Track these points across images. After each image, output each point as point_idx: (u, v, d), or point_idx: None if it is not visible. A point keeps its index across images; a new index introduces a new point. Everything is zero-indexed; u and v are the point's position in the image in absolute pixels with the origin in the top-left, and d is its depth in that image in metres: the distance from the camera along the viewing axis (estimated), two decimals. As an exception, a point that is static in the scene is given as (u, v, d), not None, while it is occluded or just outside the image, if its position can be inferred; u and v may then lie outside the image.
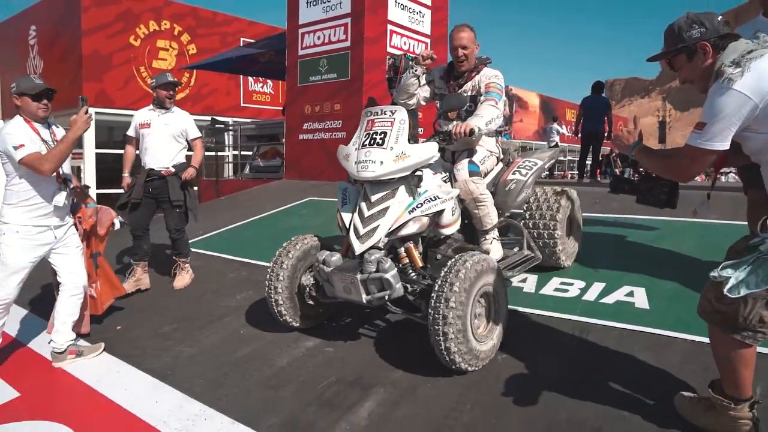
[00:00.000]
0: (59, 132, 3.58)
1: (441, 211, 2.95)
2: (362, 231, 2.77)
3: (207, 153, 9.93)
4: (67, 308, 3.51)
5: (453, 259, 2.63)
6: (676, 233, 4.47)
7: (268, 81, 20.74)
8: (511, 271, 3.31)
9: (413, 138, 2.98)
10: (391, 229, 2.78)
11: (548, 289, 3.59)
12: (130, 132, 4.72)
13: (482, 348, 2.65)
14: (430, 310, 2.51)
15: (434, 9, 9.04)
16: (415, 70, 3.54)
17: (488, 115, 3.15)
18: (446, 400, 2.52)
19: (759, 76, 1.77)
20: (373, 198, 2.84)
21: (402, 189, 2.87)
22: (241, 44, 19.43)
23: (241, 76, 19.57)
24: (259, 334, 3.50)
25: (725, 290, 1.73)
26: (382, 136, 2.83)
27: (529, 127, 29.62)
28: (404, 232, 2.81)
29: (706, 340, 2.67)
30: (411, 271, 2.86)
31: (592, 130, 9.98)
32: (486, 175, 3.48)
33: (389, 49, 8.13)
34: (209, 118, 18.26)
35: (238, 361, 3.18)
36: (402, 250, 2.90)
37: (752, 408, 1.99)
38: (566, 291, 3.53)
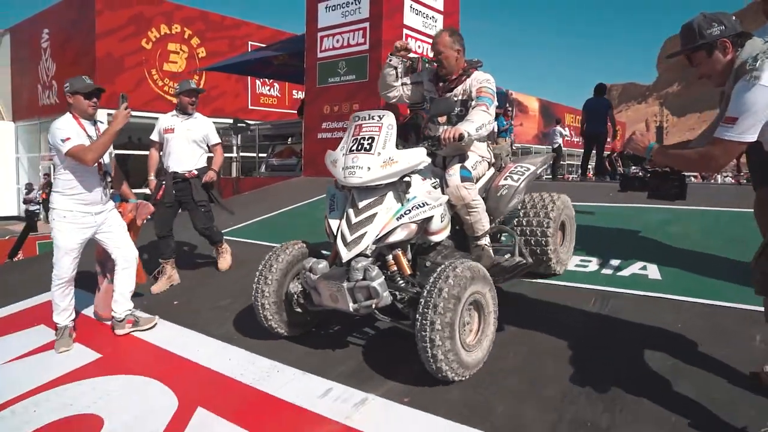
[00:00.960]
0: (103, 128, 3.88)
1: (430, 218, 2.91)
2: (349, 238, 2.74)
3: (225, 154, 10.31)
4: (122, 280, 3.86)
5: (443, 266, 2.58)
6: (682, 219, 4.88)
7: (275, 84, 21.16)
8: (503, 282, 3.29)
9: (402, 143, 2.93)
10: (378, 236, 2.74)
11: (569, 266, 3.98)
12: (154, 136, 4.98)
13: (470, 358, 2.59)
14: (417, 316, 2.45)
15: (446, 14, 9.48)
16: (390, 61, 3.50)
17: (479, 121, 3.08)
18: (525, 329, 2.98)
19: None
20: (361, 204, 2.80)
21: (390, 195, 2.83)
22: (249, 48, 19.86)
23: (249, 79, 20.00)
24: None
25: None
26: (370, 141, 2.78)
27: (528, 131, 30.10)
28: (392, 239, 2.77)
29: (712, 302, 3.12)
30: (399, 278, 2.81)
31: (595, 131, 10.41)
32: (478, 180, 3.42)
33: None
34: (220, 119, 18.76)
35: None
36: (390, 257, 2.85)
37: None
38: (586, 267, 3.93)
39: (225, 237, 5.99)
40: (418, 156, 2.85)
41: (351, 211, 2.81)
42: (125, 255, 3.89)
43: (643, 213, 5.19)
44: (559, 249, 3.76)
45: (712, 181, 17.54)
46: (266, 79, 20.36)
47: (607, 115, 10.34)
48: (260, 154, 11.95)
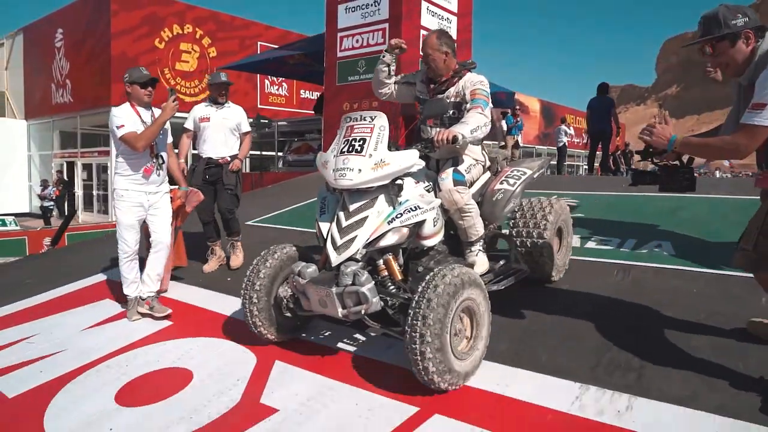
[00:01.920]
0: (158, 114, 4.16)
1: (422, 222, 2.86)
2: (339, 242, 2.68)
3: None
4: (152, 262, 4.15)
5: (431, 274, 2.49)
6: (689, 206, 5.29)
7: (284, 84, 21.56)
8: (497, 285, 3.18)
9: (394, 145, 2.86)
10: (369, 240, 2.69)
11: (591, 245, 4.38)
12: (188, 125, 5.20)
13: (463, 365, 2.54)
14: (407, 328, 2.38)
15: (460, 16, 9.87)
16: (384, 57, 3.48)
17: (474, 123, 3.02)
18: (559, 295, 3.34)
19: None
20: (352, 207, 2.74)
21: (381, 198, 2.77)
22: (258, 47, 20.28)
23: (258, 78, 20.40)
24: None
25: None
26: (361, 142, 2.73)
27: (529, 132, 30.57)
28: (383, 243, 2.72)
29: (722, 272, 3.53)
30: (390, 284, 2.77)
31: (599, 129, 10.86)
32: (472, 184, 3.35)
33: (421, 52, 8.92)
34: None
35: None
36: (381, 262, 2.79)
37: None
38: (606, 245, 4.33)
39: (260, 224, 6.40)
40: (411, 158, 2.80)
41: (341, 214, 2.75)
42: (161, 239, 4.16)
43: (654, 201, 5.59)
44: (556, 255, 3.64)
45: (710, 175, 18.01)
46: (275, 79, 20.77)
47: (611, 113, 10.79)
48: (274, 152, 12.31)
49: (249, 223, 6.44)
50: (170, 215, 4.30)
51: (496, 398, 2.49)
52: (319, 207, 2.96)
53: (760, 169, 2.50)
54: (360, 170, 2.67)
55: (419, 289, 2.43)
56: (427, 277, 2.47)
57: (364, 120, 2.81)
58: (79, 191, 19.25)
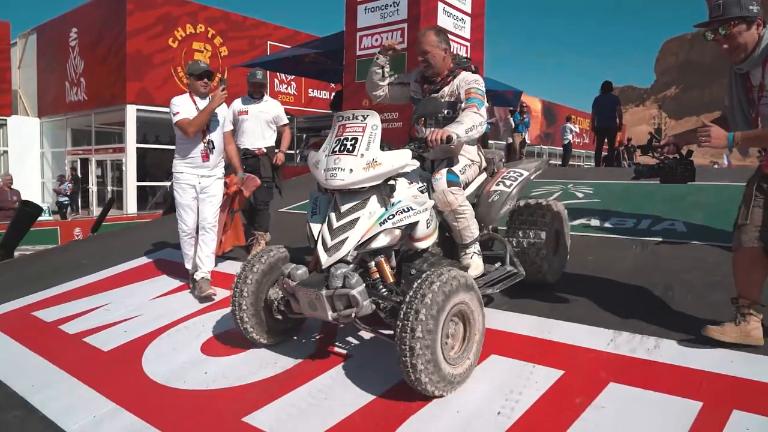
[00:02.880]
0: (222, 109, 4.54)
1: (415, 224, 2.79)
2: (330, 243, 2.63)
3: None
4: (201, 245, 4.45)
5: (419, 280, 2.42)
6: (698, 192, 5.73)
7: (292, 83, 21.96)
8: (492, 288, 3.14)
9: (387, 145, 2.80)
10: (360, 242, 2.64)
11: (609, 224, 4.81)
12: (228, 126, 5.50)
13: (456, 371, 2.48)
14: (396, 339, 2.33)
15: (473, 16, 10.30)
16: (377, 59, 3.47)
17: (469, 123, 2.94)
18: (586, 263, 3.70)
19: None
20: (343, 208, 2.69)
21: (373, 199, 2.73)
22: (268, 47, 20.72)
23: (269, 77, 20.81)
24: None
25: None
26: (353, 142, 2.67)
27: (531, 131, 31.00)
28: (375, 245, 2.66)
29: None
30: (381, 286, 2.71)
31: (605, 125, 11.36)
32: (467, 185, 3.30)
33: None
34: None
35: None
36: (372, 264, 2.74)
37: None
38: (623, 224, 4.77)
39: (291, 211, 6.82)
40: (403, 158, 2.76)
41: (333, 215, 2.71)
42: (207, 223, 4.45)
43: (663, 188, 6.00)
44: (552, 258, 3.63)
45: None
46: (284, 78, 21.19)
47: (615, 110, 11.27)
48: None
49: (281, 210, 6.86)
50: (219, 200, 4.58)
51: (541, 341, 2.92)
52: (310, 207, 2.92)
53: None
54: (351, 170, 2.61)
55: (411, 290, 2.37)
56: (416, 284, 2.40)
57: (356, 119, 2.75)
58: (93, 187, 19.62)
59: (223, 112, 4.54)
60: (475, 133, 3.00)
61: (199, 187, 4.45)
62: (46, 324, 4.03)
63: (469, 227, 3.14)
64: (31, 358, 3.45)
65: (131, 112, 17.59)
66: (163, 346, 3.46)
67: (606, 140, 11.50)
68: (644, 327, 2.92)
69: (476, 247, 3.24)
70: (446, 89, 3.27)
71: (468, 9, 10.19)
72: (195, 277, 4.35)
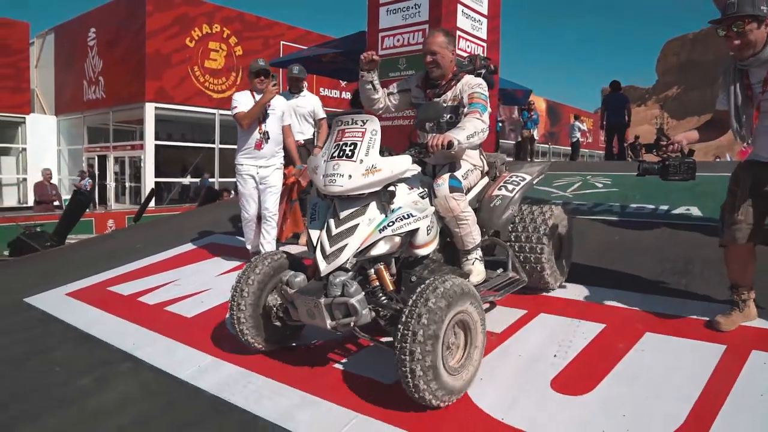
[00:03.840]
0: (274, 101, 4.88)
1: (415, 231, 2.78)
2: (329, 250, 2.58)
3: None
4: (264, 233, 4.85)
5: (422, 287, 2.38)
6: (706, 183, 6.14)
7: (305, 82, 22.40)
8: (493, 295, 3.14)
9: (387, 150, 2.78)
10: (359, 249, 2.59)
11: (629, 210, 5.26)
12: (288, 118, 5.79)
13: (456, 381, 2.42)
14: (396, 344, 2.28)
15: (489, 18, 10.73)
16: (363, 77, 3.33)
17: (471, 129, 2.89)
18: (612, 242, 4.16)
19: None
20: (342, 215, 2.64)
21: (373, 205, 2.67)
22: (281, 47, 21.18)
23: (281, 77, 21.26)
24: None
25: None
26: (352, 147, 2.62)
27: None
28: (374, 252, 2.63)
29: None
30: (381, 294, 2.66)
31: (615, 123, 11.83)
32: (469, 190, 3.26)
33: (457, 51, 9.83)
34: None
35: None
36: (372, 271, 2.69)
37: None
38: (642, 210, 5.21)
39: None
40: (403, 164, 2.71)
41: (332, 222, 2.66)
42: (268, 212, 4.83)
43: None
44: (555, 263, 3.61)
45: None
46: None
47: (625, 108, 11.74)
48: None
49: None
50: (279, 190, 4.94)
51: (582, 303, 3.39)
52: (309, 213, 2.87)
53: None
54: (350, 176, 2.56)
55: (409, 303, 2.32)
56: (418, 290, 2.36)
57: (356, 124, 2.69)
58: (111, 183, 20.07)
59: (282, 106, 4.95)
60: (476, 140, 2.94)
61: (258, 177, 4.81)
62: (125, 297, 4.48)
63: (471, 233, 3.09)
64: (123, 324, 3.89)
65: (150, 110, 18.02)
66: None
67: (616, 137, 11.94)
68: (671, 291, 3.37)
69: (478, 253, 3.19)
70: (449, 93, 3.22)
71: (485, 11, 10.62)
72: None
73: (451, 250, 3.25)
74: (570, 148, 18.01)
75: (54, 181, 22.70)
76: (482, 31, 10.72)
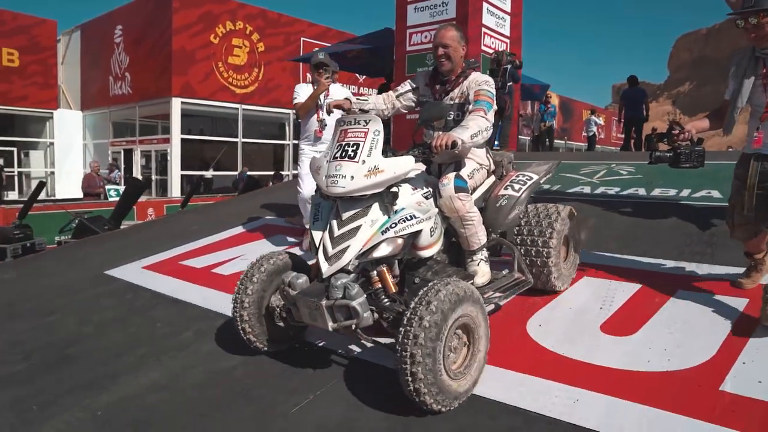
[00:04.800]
0: (333, 90, 5.30)
1: (418, 232, 2.74)
2: (331, 252, 2.57)
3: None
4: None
5: (424, 289, 2.36)
6: (725, 169, 6.58)
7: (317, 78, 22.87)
8: (498, 297, 3.12)
9: (391, 150, 2.77)
10: (362, 251, 2.57)
11: (654, 193, 5.69)
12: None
13: (458, 386, 2.41)
14: (397, 347, 2.27)
15: (512, 15, 11.18)
16: (349, 113, 3.24)
17: (475, 127, 2.86)
18: (640, 221, 4.62)
19: None
20: (345, 216, 2.62)
21: (375, 207, 2.65)
22: (302, 43, 21.69)
23: (301, 73, 21.74)
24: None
25: None
26: (354, 148, 2.61)
27: (549, 126, 31.85)
28: (376, 254, 2.60)
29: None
30: (383, 296, 2.64)
31: (633, 116, 12.27)
32: (475, 189, 3.23)
33: (482, 47, 10.27)
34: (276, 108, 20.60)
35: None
36: (374, 273, 2.67)
37: None
38: (666, 193, 5.63)
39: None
40: (406, 165, 2.67)
41: (334, 223, 2.65)
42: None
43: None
44: (562, 264, 3.55)
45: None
46: (318, 73, 22.09)
47: (643, 102, 12.17)
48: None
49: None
50: None
51: (619, 267, 3.83)
52: (312, 214, 2.85)
53: None
54: (353, 177, 2.55)
55: (411, 306, 2.31)
56: (420, 293, 2.34)
57: (358, 124, 2.69)
58: (138, 176, 20.67)
59: (342, 95, 5.43)
60: (480, 139, 2.91)
61: None
62: (199, 269, 4.98)
63: (477, 234, 3.06)
64: (205, 290, 4.37)
65: (176, 104, 18.57)
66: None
67: (633, 130, 12.36)
68: (698, 257, 3.82)
69: (483, 254, 3.17)
70: (456, 90, 3.20)
71: (508, 8, 11.07)
72: None
73: (457, 251, 3.22)
74: (582, 143, 18.44)
75: (80, 174, 23.48)
76: (506, 28, 11.18)
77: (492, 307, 3.28)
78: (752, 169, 2.99)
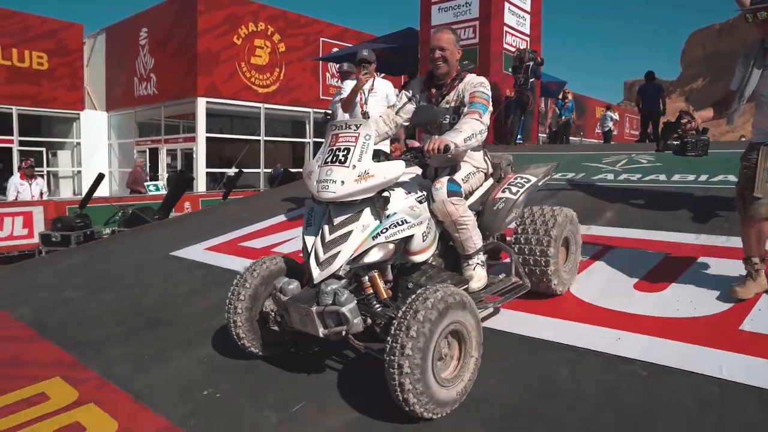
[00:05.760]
0: (377, 84, 5.76)
1: (410, 237, 2.72)
2: (322, 257, 2.55)
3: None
4: None
5: (412, 297, 2.34)
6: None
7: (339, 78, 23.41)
8: (494, 302, 3.10)
9: (384, 154, 2.77)
10: (353, 256, 2.56)
11: (674, 179, 6.13)
12: (331, 106, 6.66)
13: (448, 394, 2.38)
14: (385, 356, 2.26)
15: (532, 14, 11.65)
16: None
17: (468, 131, 2.85)
18: (662, 198, 5.07)
19: None
20: (336, 221, 2.61)
21: (367, 211, 2.63)
22: (320, 43, 22.22)
23: (320, 72, 22.38)
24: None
25: None
26: (345, 152, 2.59)
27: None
28: (367, 260, 2.60)
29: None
30: (375, 302, 2.64)
31: (650, 110, 12.67)
32: (471, 193, 3.21)
33: (504, 46, 10.76)
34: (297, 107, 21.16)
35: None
36: (366, 279, 2.65)
37: None
38: (686, 178, 6.06)
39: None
40: (396, 170, 2.65)
41: (326, 228, 2.62)
42: None
43: (712, 153, 7.32)
44: (561, 268, 3.47)
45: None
46: (335, 72, 22.61)
47: (660, 97, 12.57)
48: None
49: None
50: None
51: (646, 240, 4.30)
52: (305, 219, 2.84)
53: None
54: (343, 182, 2.53)
55: (399, 313, 2.30)
56: (409, 300, 2.33)
57: (349, 128, 2.68)
58: (164, 173, 21.28)
59: (385, 89, 5.88)
60: (474, 142, 2.91)
61: None
62: (259, 249, 5.47)
63: (471, 238, 3.03)
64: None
65: (201, 104, 19.16)
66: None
67: (651, 123, 12.78)
68: (716, 231, 4.27)
69: (480, 258, 3.13)
70: (452, 94, 3.18)
71: (528, 8, 11.54)
72: None
73: (453, 255, 3.18)
74: (596, 140, 18.80)
75: (106, 173, 24.21)
76: (526, 27, 11.64)
77: (489, 311, 3.27)
78: (762, 154, 3.10)
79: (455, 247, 3.12)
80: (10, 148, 21.00)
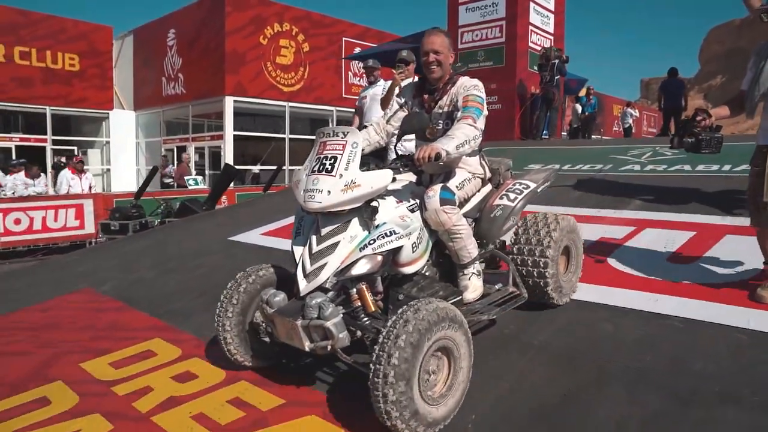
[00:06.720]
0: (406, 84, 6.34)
1: (399, 248, 2.62)
2: (309, 269, 2.48)
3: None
4: None
5: (403, 308, 2.26)
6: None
7: (364, 75, 23.84)
8: (488, 313, 2.93)
9: (374, 162, 2.75)
10: (339, 268, 2.48)
11: (698, 168, 6.49)
12: (358, 103, 6.96)
13: (435, 412, 2.29)
14: (371, 365, 2.17)
15: (556, 13, 12.00)
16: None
17: (461, 137, 2.71)
18: (685, 183, 5.46)
19: None
20: (323, 231, 2.54)
21: (355, 222, 2.54)
22: (343, 43, 22.70)
23: (343, 71, 22.91)
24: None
25: None
26: (332, 161, 2.51)
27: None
28: (354, 272, 2.51)
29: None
30: (363, 315, 2.55)
31: (672, 105, 12.96)
32: (467, 200, 3.09)
33: (530, 44, 11.14)
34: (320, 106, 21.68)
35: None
36: (354, 291, 2.57)
37: None
38: (710, 168, 6.41)
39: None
40: (383, 180, 2.56)
41: (314, 238, 2.56)
42: None
43: (734, 145, 7.66)
44: (561, 277, 3.35)
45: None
46: (357, 71, 23.11)
47: (681, 93, 12.86)
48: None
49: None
50: None
51: (674, 222, 4.68)
52: (294, 228, 2.78)
53: None
54: (329, 192, 2.44)
55: (387, 326, 2.21)
56: (399, 311, 2.25)
57: (337, 136, 2.58)
58: (192, 170, 21.92)
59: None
60: (467, 148, 2.76)
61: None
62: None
63: (466, 247, 2.91)
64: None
65: (229, 103, 19.72)
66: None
67: (673, 119, 13.08)
68: (741, 213, 4.64)
69: (475, 268, 3.02)
70: (445, 98, 3.05)
71: (552, 7, 11.90)
72: None
73: (449, 264, 3.07)
74: (614, 137, 19.01)
75: (133, 171, 24.91)
76: (550, 26, 12.01)
77: (485, 323, 3.18)
78: None
79: (450, 256, 3.03)
80: (44, 147, 21.80)
